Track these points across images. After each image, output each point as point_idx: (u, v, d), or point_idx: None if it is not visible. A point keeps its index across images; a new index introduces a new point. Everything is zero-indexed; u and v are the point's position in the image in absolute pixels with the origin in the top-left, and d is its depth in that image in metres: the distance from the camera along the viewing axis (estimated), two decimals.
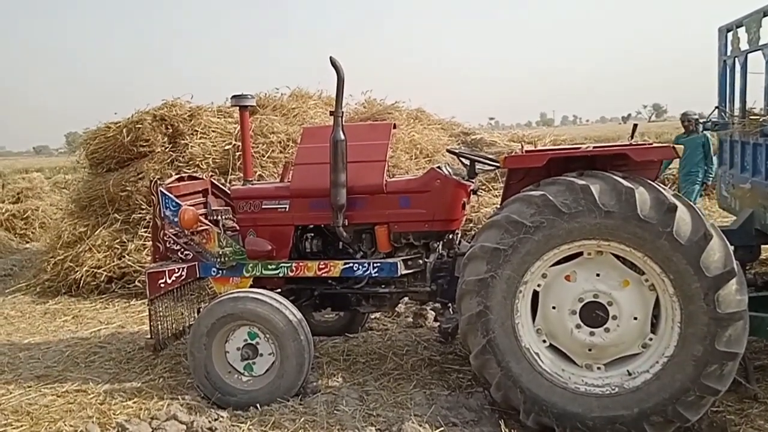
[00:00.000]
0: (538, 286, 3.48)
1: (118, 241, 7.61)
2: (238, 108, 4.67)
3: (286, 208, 4.38)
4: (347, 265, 4.19)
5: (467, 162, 4.28)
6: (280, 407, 3.80)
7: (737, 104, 6.14)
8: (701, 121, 6.49)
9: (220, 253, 4.34)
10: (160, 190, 4.47)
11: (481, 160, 4.26)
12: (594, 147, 3.70)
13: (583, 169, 3.53)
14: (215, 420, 3.53)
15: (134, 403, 4.01)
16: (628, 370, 3.37)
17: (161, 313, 4.51)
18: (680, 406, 3.20)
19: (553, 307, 3.46)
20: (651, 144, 3.52)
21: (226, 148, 7.86)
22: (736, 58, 5.98)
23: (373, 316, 5.60)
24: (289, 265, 4.27)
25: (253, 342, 4.05)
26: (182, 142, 8.00)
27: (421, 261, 4.26)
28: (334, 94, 4.01)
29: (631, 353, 3.41)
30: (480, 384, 4.06)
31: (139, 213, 7.70)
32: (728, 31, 6.17)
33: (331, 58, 3.92)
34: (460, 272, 3.59)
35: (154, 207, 4.54)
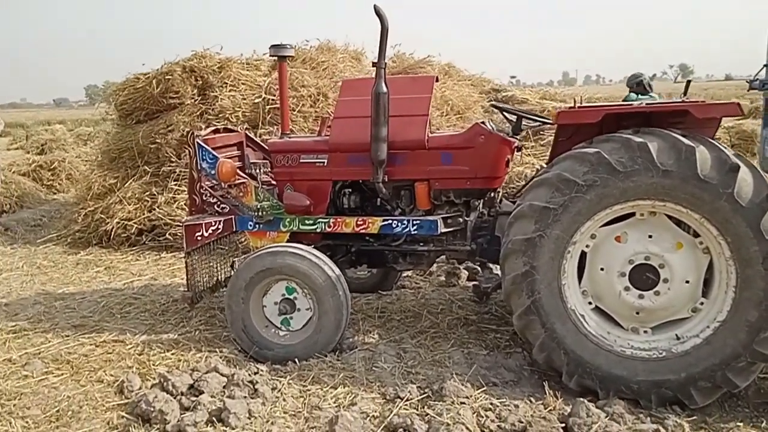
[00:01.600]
0: (587, 246, 3.38)
1: (148, 193, 7.60)
2: (276, 58, 4.55)
3: (324, 162, 4.30)
4: (386, 222, 4.12)
5: (512, 117, 4.14)
6: (319, 362, 3.79)
7: None
8: (756, 79, 6.22)
9: (258, 206, 4.29)
10: (197, 142, 4.40)
11: (529, 115, 4.12)
12: (648, 104, 3.54)
13: (638, 126, 3.39)
14: (255, 374, 3.53)
15: (173, 354, 4.03)
16: (676, 334, 3.30)
17: (198, 266, 4.50)
18: (730, 371, 3.13)
19: (602, 269, 3.37)
20: (713, 101, 3.36)
21: (256, 101, 7.74)
22: None
23: (405, 274, 5.56)
24: (327, 220, 4.22)
25: (291, 297, 4.03)
26: (212, 94, 7.89)
27: (461, 219, 4.18)
28: (378, 44, 3.86)
29: (680, 317, 3.33)
30: (519, 345, 4.03)
31: (169, 166, 7.67)
32: None
33: (375, 6, 3.77)
34: (505, 231, 3.50)
35: (190, 159, 4.49)
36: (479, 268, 5.35)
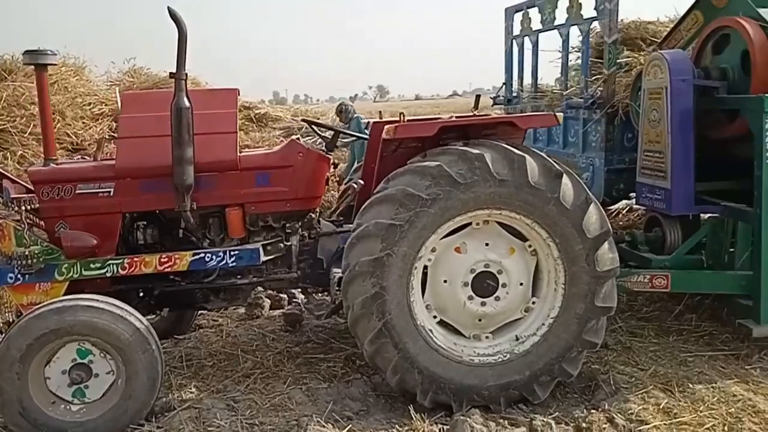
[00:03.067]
0: (429, 260, 3.35)
1: None
2: (33, 67, 3.65)
3: (110, 191, 3.56)
4: (197, 256, 3.57)
5: (327, 134, 3.95)
6: None
7: (527, 80, 6.74)
8: (498, 96, 6.99)
9: (25, 253, 3.37)
10: None
11: (344, 131, 3.96)
12: (458, 116, 3.68)
13: (456, 139, 3.48)
14: None
15: None
16: (516, 336, 3.44)
17: None
18: (565, 363, 3.37)
19: (445, 281, 3.37)
20: (533, 113, 3.60)
21: None
22: (527, 37, 6.54)
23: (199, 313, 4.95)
24: (120, 261, 3.50)
25: (85, 361, 3.24)
26: None
27: (281, 245, 3.83)
28: (176, 53, 3.33)
29: (514, 318, 3.49)
30: (355, 370, 3.84)
31: None
32: (517, 11, 6.71)
33: (170, 9, 3.26)
34: (345, 253, 3.29)
35: None
36: (292, 295, 5.06)
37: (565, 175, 3.25)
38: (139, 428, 3.18)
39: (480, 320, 3.43)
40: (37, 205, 3.51)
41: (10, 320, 4.24)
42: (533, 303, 3.46)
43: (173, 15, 3.26)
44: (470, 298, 3.37)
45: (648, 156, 4.35)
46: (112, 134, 6.91)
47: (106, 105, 7.29)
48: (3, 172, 3.78)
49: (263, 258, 3.68)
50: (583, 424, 3.07)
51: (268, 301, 5.08)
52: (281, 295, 5.12)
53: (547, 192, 3.22)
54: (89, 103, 7.14)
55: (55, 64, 3.97)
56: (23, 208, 3.42)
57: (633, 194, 5.18)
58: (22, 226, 3.41)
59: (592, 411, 3.20)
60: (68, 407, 3.23)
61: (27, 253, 3.38)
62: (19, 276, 3.43)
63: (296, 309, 4.88)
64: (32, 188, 3.56)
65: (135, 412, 3.25)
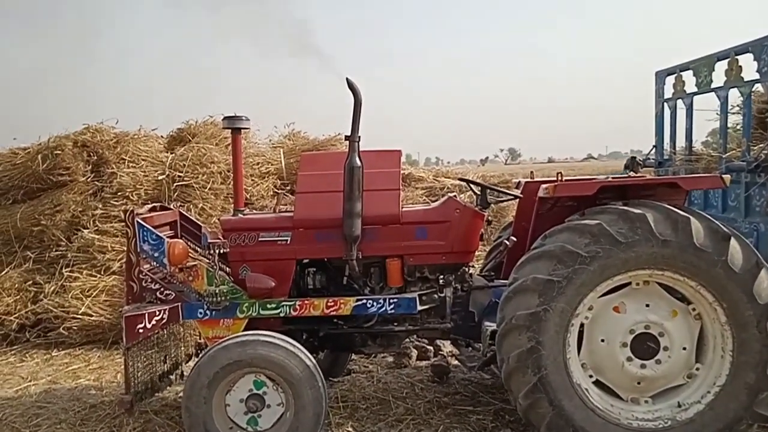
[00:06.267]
0: (586, 318, 3.37)
1: (30, 282, 6.62)
2: (230, 131, 4.23)
3: (287, 240, 3.98)
4: (359, 302, 3.85)
5: (480, 191, 4.14)
6: None
7: (681, 143, 6.58)
8: (648, 158, 6.86)
9: (215, 291, 3.83)
10: (137, 221, 3.91)
11: (500, 189, 4.14)
12: (625, 177, 3.72)
13: (612, 200, 3.52)
14: None
15: None
16: (678, 402, 3.33)
17: (136, 363, 3.89)
18: None
19: (602, 340, 3.36)
20: (697, 174, 3.58)
21: (159, 178, 7.17)
22: (680, 100, 6.43)
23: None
24: (292, 303, 3.86)
25: (260, 392, 3.58)
26: (108, 170, 7.21)
27: (435, 296, 4.03)
28: (351, 118, 3.73)
29: (676, 384, 3.38)
30: (505, 424, 3.87)
31: (57, 250, 6.77)
32: (669, 74, 6.64)
33: (348, 79, 3.67)
34: (502, 306, 3.40)
35: (128, 240, 3.95)
36: (438, 347, 5.21)
37: (733, 238, 3.18)
38: None
39: (639, 383, 3.36)
40: (226, 250, 3.99)
41: (191, 354, 4.73)
42: (697, 369, 3.34)
43: (351, 85, 3.67)
44: (629, 359, 3.32)
45: None
46: (277, 191, 7.61)
47: (271, 164, 8.04)
48: (184, 213, 4.36)
49: (419, 307, 3.88)
50: None
51: (416, 351, 5.26)
52: (428, 346, 5.28)
53: (714, 254, 3.15)
54: (257, 163, 7.91)
55: (248, 128, 4.53)
56: (215, 252, 3.90)
57: None
58: (214, 267, 3.89)
59: None
60: None
61: (217, 291, 3.84)
62: (207, 312, 3.89)
63: (443, 361, 5.02)
64: (222, 235, 4.06)
65: None
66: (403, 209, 3.99)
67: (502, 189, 4.19)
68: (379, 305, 3.85)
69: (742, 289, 3.15)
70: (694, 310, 3.33)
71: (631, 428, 3.27)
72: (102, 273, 6.41)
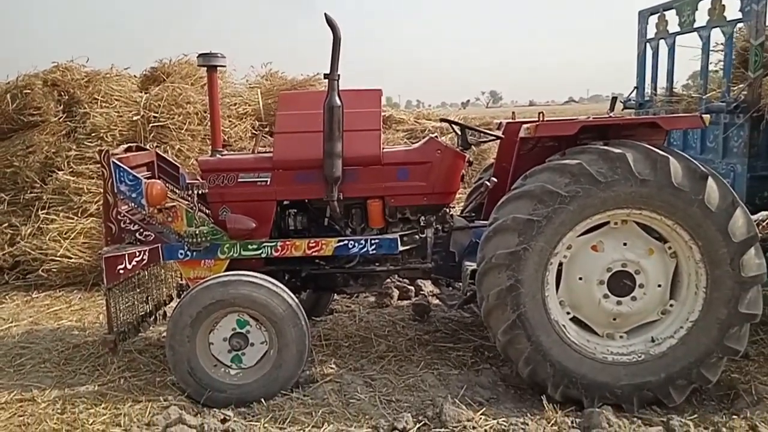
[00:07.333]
0: (564, 257, 3.42)
1: (6, 225, 6.52)
2: (206, 69, 4.12)
3: (267, 181, 3.95)
4: (341, 243, 3.86)
5: (460, 131, 4.12)
6: (287, 401, 3.43)
7: (662, 84, 6.56)
8: (629, 100, 6.84)
9: (195, 232, 3.81)
10: (113, 162, 3.84)
11: (481, 130, 4.12)
12: (606, 117, 3.72)
13: (592, 140, 3.53)
14: (226, 421, 3.09)
15: (105, 409, 3.41)
16: (652, 337, 3.43)
17: (118, 304, 3.89)
18: (704, 368, 3.31)
19: (580, 278, 3.42)
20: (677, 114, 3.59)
21: (134, 118, 7.01)
22: (663, 40, 6.36)
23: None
24: (274, 244, 3.86)
25: (243, 331, 3.62)
26: (80, 111, 7.02)
27: (417, 237, 4.05)
28: (330, 55, 3.64)
29: (650, 320, 3.48)
30: (485, 360, 3.97)
31: (32, 192, 6.65)
32: (652, 14, 6.54)
33: (326, 15, 3.56)
34: (482, 245, 3.43)
35: (105, 181, 3.89)
36: (419, 287, 5.28)
37: (710, 178, 3.22)
38: (288, 395, 3.50)
39: (614, 319, 3.45)
40: (205, 191, 3.94)
41: (172, 295, 4.75)
42: (671, 306, 3.43)
43: (329, 21, 3.55)
44: (605, 296, 3.40)
45: None
46: (255, 131, 7.49)
47: (249, 105, 7.89)
48: (161, 154, 4.29)
49: (401, 248, 3.91)
50: (723, 429, 3.02)
51: (397, 291, 5.33)
52: (409, 286, 5.35)
53: (691, 193, 3.19)
54: (234, 104, 7.76)
55: (224, 66, 4.41)
56: (194, 192, 3.86)
57: None
58: (193, 208, 3.85)
59: (733, 417, 3.13)
60: (227, 371, 3.62)
61: (197, 232, 3.82)
62: (188, 252, 3.87)
63: (424, 300, 5.10)
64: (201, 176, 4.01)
65: (284, 381, 3.58)
66: (384, 150, 3.95)
67: (483, 129, 4.17)
68: (361, 246, 3.87)
69: (717, 228, 3.21)
70: (670, 248, 3.39)
71: (606, 362, 3.37)
72: (79, 215, 6.35)
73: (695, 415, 3.22)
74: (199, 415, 3.23)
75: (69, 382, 3.87)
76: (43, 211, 6.42)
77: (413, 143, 4.87)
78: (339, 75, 3.70)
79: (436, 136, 4.03)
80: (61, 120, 7.04)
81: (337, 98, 3.65)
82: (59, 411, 3.41)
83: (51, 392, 3.69)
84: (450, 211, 4.18)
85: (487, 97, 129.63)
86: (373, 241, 3.87)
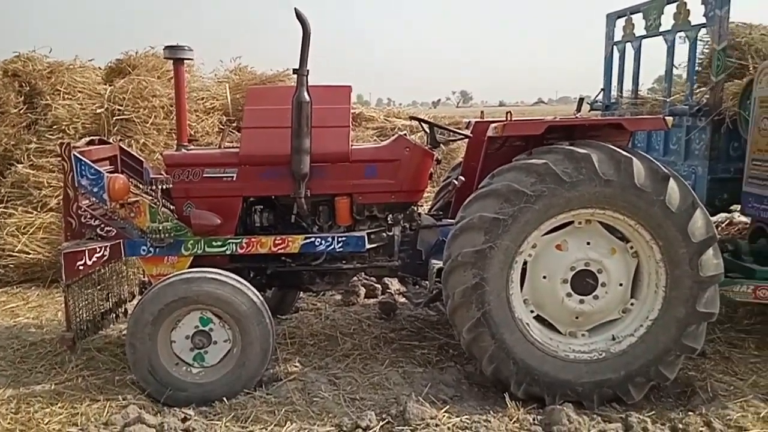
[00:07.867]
0: (529, 256, 3.45)
1: None
2: (171, 61, 4.04)
3: (233, 177, 3.89)
4: (308, 240, 3.83)
5: (429, 129, 4.12)
6: (249, 399, 3.39)
7: (628, 87, 6.67)
8: (596, 102, 6.95)
9: (158, 228, 3.74)
10: (74, 155, 3.74)
11: (450, 128, 4.13)
12: (572, 118, 3.76)
13: (558, 140, 3.56)
14: (186, 420, 3.04)
15: (61, 408, 3.33)
16: (613, 335, 3.48)
17: (77, 301, 3.80)
18: (662, 366, 3.38)
19: (544, 277, 3.46)
20: (642, 115, 3.64)
21: (98, 111, 6.85)
22: (629, 43, 6.47)
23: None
24: (239, 241, 3.81)
25: (206, 328, 3.57)
26: (42, 102, 6.84)
27: (384, 234, 4.04)
28: (300, 50, 3.60)
29: (611, 318, 3.53)
30: (449, 359, 3.98)
31: None
32: (619, 17, 6.65)
33: (296, 9, 3.52)
34: (449, 244, 3.44)
35: (65, 174, 3.79)
36: (386, 285, 5.27)
37: (672, 179, 3.28)
38: (251, 394, 3.46)
39: (577, 318, 3.49)
40: (169, 186, 3.87)
41: (134, 292, 4.66)
42: (632, 304, 3.49)
43: (299, 15, 3.52)
44: (569, 295, 3.44)
45: (756, 165, 4.25)
46: (222, 126, 7.39)
47: (216, 100, 7.78)
48: (125, 148, 4.21)
49: (368, 245, 3.89)
50: (680, 425, 3.08)
51: (364, 289, 5.32)
52: (375, 284, 5.34)
53: (652, 194, 3.25)
54: (202, 98, 7.64)
55: (191, 59, 4.32)
56: (158, 187, 3.78)
57: (735, 205, 5.05)
58: (157, 204, 3.78)
59: (689, 413, 3.20)
60: (189, 369, 3.56)
61: (160, 228, 3.75)
62: (150, 249, 3.80)
63: (390, 298, 5.10)
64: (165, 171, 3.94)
65: (247, 379, 3.54)
66: (353, 147, 3.94)
67: (452, 128, 4.18)
68: (328, 243, 3.84)
69: (677, 228, 3.27)
70: (631, 248, 3.45)
71: (568, 360, 3.42)
72: (39, 210, 6.18)
73: (653, 412, 3.28)
74: (159, 414, 3.18)
75: (24, 380, 3.77)
76: (0, 205, 6.23)
77: (383, 141, 4.86)
78: (308, 70, 3.67)
79: (406, 134, 4.03)
80: (21, 111, 6.86)
81: (305, 94, 3.62)
82: (13, 410, 3.32)
83: (5, 391, 3.59)
84: (417, 209, 4.18)
85: (457, 96, 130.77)
86: (340, 239, 3.85)
